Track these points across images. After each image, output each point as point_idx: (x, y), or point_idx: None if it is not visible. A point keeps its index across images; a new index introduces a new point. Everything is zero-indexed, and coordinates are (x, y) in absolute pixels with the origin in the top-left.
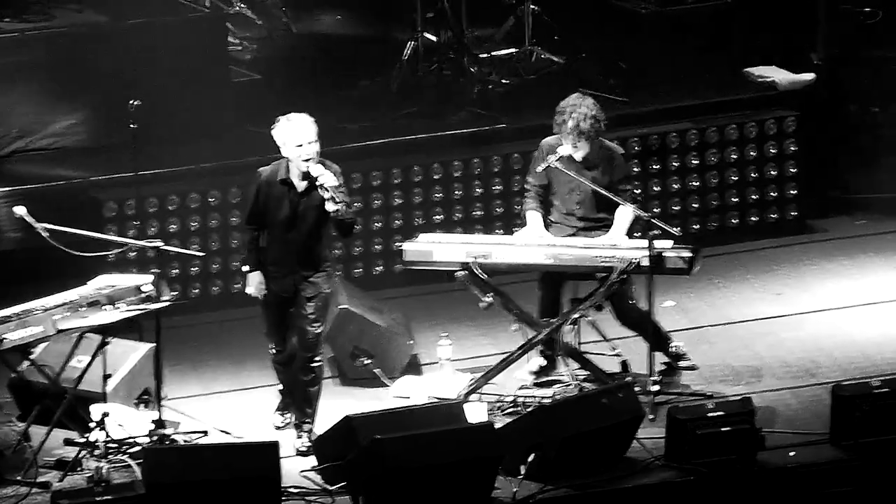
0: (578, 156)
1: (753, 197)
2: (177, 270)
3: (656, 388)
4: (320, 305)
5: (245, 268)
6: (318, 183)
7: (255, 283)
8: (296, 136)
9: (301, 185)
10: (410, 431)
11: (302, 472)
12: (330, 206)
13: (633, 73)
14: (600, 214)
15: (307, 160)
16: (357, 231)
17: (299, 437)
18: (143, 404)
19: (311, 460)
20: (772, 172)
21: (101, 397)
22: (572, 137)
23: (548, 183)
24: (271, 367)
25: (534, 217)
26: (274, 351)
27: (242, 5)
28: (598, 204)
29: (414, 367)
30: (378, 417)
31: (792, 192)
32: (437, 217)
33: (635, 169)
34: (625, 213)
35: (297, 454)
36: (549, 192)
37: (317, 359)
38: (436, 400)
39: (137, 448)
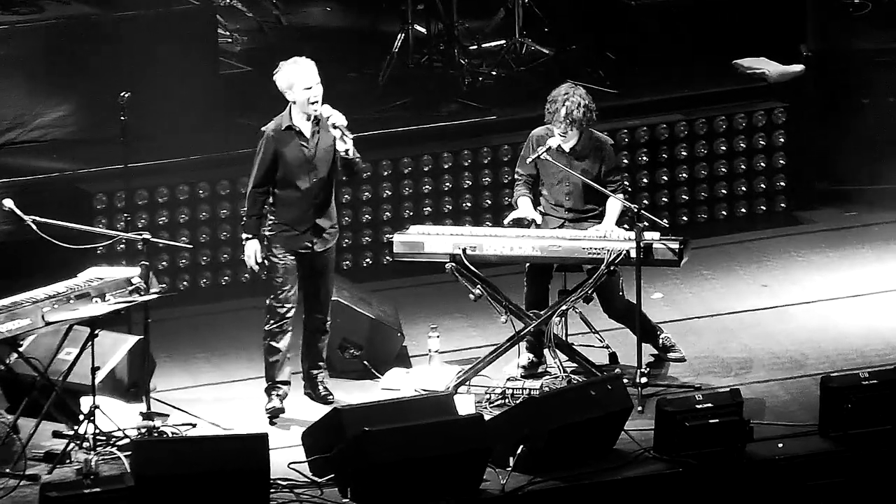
0: (567, 146)
1: (742, 188)
2: (165, 263)
3: (645, 379)
4: (332, 267)
5: (245, 235)
6: (329, 123)
7: (251, 252)
8: (304, 77)
9: (307, 129)
10: (399, 424)
11: (290, 464)
12: (340, 146)
13: (623, 64)
14: (589, 205)
15: (314, 102)
16: (364, 169)
17: (320, 382)
18: (131, 397)
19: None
20: (761, 164)
21: (90, 390)
22: (564, 125)
23: (536, 173)
24: (261, 357)
25: (525, 202)
26: (273, 305)
27: None
28: (586, 195)
29: (403, 359)
30: (366, 409)
31: (781, 183)
32: (427, 209)
33: (624, 161)
34: (615, 204)
35: (323, 401)
36: (537, 182)
37: (328, 319)
38: (424, 392)
39: (126, 440)
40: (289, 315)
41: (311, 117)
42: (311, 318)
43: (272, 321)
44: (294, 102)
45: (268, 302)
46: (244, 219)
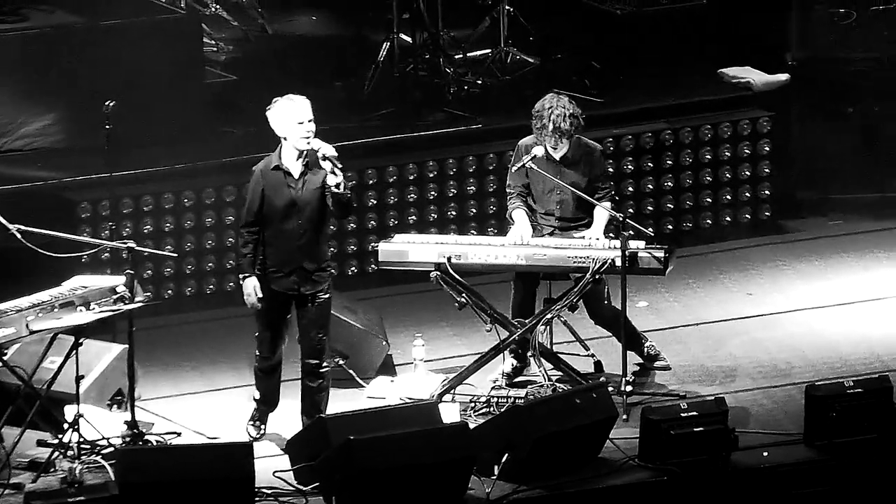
0: (558, 154)
1: (727, 197)
2: (150, 271)
3: (630, 388)
4: (324, 311)
5: (241, 275)
6: (319, 154)
7: (251, 290)
8: (298, 113)
9: (296, 170)
10: (384, 432)
11: (275, 472)
12: (331, 179)
13: (608, 73)
14: (578, 214)
15: (307, 137)
16: (354, 207)
17: None
18: (116, 405)
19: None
20: (746, 173)
21: (74, 398)
22: (553, 139)
23: (529, 182)
24: (249, 371)
25: (521, 216)
26: (260, 356)
27: (218, 6)
28: (577, 204)
29: (388, 367)
30: (352, 418)
31: (766, 192)
32: (412, 217)
33: (610, 169)
34: (602, 212)
35: None
36: (528, 191)
37: (324, 365)
38: (409, 400)
39: (110, 449)
40: (274, 353)
41: (301, 155)
42: (303, 362)
43: (256, 356)
44: (285, 139)
45: (256, 336)
46: (240, 259)
